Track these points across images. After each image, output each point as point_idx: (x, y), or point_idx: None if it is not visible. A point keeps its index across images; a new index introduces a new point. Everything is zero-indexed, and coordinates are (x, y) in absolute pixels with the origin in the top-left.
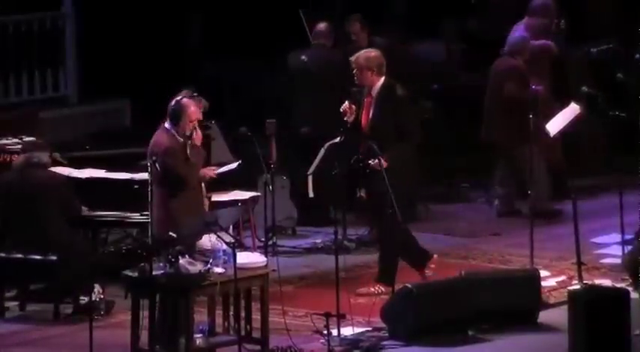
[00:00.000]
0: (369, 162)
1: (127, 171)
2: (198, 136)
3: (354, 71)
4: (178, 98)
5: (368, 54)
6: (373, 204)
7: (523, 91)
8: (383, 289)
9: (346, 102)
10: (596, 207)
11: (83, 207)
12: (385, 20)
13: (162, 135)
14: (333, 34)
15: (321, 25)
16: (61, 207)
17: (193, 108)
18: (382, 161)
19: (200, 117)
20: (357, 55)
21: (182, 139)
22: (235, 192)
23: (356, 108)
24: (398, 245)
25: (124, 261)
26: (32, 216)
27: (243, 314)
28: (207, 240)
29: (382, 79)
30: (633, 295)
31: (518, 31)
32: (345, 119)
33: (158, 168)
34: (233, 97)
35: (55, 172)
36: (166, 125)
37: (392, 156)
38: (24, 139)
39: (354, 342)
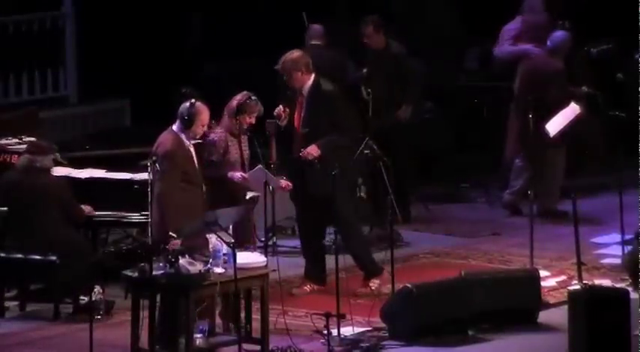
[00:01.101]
0: (301, 152)
1: (127, 171)
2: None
3: (284, 77)
4: (193, 101)
5: (292, 56)
6: (324, 205)
7: (568, 93)
8: (378, 281)
9: (280, 107)
10: (596, 207)
11: (89, 208)
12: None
13: (168, 137)
14: (326, 35)
15: (316, 26)
16: (62, 212)
17: (207, 113)
18: (314, 151)
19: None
20: (282, 59)
21: (189, 143)
22: None
23: (290, 111)
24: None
25: (124, 261)
26: (32, 217)
27: (243, 314)
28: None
29: (312, 77)
30: (633, 295)
31: (508, 31)
32: (278, 123)
33: (158, 169)
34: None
35: (56, 178)
36: (174, 128)
37: (323, 145)
38: (28, 140)
39: (354, 342)
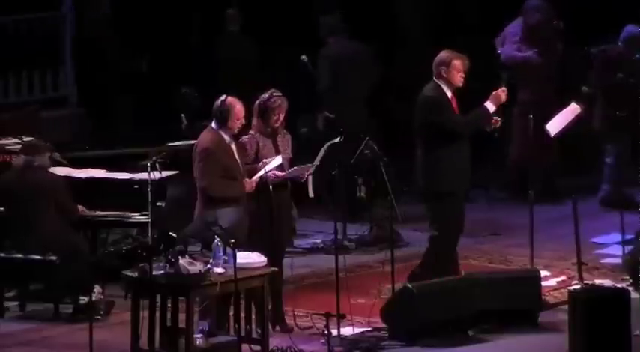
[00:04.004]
0: None
1: (127, 171)
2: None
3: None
4: (223, 98)
5: None
6: None
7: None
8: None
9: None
10: (596, 207)
11: (80, 207)
12: None
13: (207, 135)
14: (239, 20)
15: (232, 12)
16: (59, 209)
17: (239, 106)
18: None
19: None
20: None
21: (229, 139)
22: None
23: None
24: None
25: (124, 261)
26: (31, 216)
27: (243, 314)
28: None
29: None
30: (633, 295)
31: (511, 35)
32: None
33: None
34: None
35: (53, 175)
36: (213, 125)
37: None
38: (24, 139)
39: (354, 342)
